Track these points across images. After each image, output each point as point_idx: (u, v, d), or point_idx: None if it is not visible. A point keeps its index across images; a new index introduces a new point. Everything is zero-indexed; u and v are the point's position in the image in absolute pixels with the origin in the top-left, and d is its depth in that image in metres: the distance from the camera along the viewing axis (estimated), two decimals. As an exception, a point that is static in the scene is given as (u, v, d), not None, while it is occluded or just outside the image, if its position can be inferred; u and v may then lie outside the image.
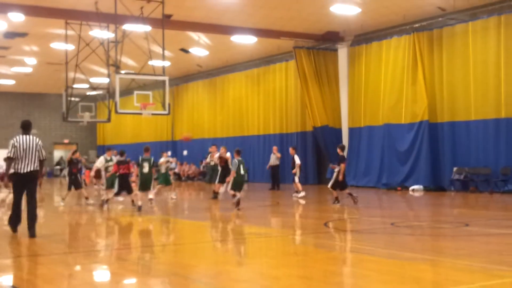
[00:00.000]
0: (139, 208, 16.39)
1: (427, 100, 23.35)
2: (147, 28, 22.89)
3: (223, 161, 19.98)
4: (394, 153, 24.73)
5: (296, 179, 21.36)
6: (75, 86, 26.71)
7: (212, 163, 21.46)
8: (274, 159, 25.94)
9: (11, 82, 41.87)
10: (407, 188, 23.74)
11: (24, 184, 11.41)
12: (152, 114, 22.82)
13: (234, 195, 16.53)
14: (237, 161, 16.53)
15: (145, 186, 17.08)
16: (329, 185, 17.47)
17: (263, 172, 31.41)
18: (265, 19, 24.84)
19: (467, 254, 9.05)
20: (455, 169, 22.62)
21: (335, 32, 27.14)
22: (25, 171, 11.23)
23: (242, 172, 16.63)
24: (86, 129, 47.60)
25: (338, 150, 17.75)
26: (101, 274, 8.26)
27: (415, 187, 23.49)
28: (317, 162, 29.11)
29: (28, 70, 37.74)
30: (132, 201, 17.32)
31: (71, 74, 26.40)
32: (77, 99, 27.87)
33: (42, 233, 12.55)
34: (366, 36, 26.38)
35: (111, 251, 10.30)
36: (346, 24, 25.86)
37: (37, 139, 11.54)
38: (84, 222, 15.30)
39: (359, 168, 26.48)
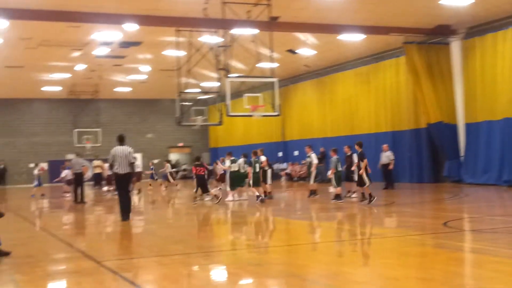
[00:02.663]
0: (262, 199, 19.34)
1: (550, 91, 22.07)
2: (255, 31, 23.14)
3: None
4: (516, 149, 23.53)
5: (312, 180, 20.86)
6: (187, 91, 27.46)
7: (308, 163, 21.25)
8: (384, 157, 25.34)
9: (128, 89, 43.72)
10: (531, 185, 22.53)
11: (122, 182, 15.03)
12: (263, 115, 23.01)
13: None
14: (252, 161, 19.89)
15: (235, 183, 20.53)
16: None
17: (375, 171, 30.93)
18: (373, 15, 24.42)
19: None
20: None
21: (447, 25, 26.25)
22: (122, 172, 14.79)
23: (256, 169, 19.79)
24: (199, 132, 48.83)
25: (357, 147, 18.41)
26: (220, 274, 8.41)
27: (540, 183, 22.26)
28: (433, 160, 28.26)
29: (143, 77, 39.26)
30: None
31: (183, 80, 27.17)
32: (189, 104, 28.62)
33: (162, 234, 13.02)
34: (479, 28, 25.31)
35: (227, 251, 10.48)
36: (458, 17, 24.94)
37: (129, 148, 14.94)
38: (200, 222, 15.68)
39: (477, 165, 25.39)
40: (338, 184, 19.02)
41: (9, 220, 15.38)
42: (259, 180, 19.90)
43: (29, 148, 46.01)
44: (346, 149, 21.26)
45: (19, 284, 7.64)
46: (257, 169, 19.85)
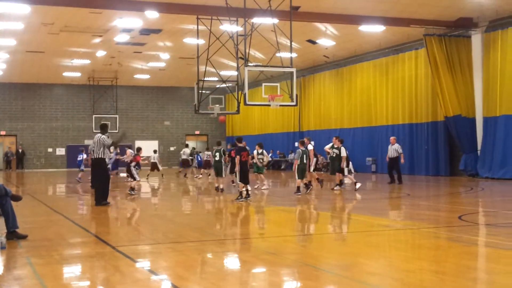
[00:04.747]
0: (222, 191, 19.79)
1: None
2: (275, 20, 23.09)
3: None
4: (534, 144, 23.33)
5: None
6: (205, 79, 27.48)
7: (334, 154, 20.96)
8: (392, 150, 24.67)
9: (146, 76, 43.89)
10: (548, 181, 22.36)
11: (93, 167, 16.30)
12: (280, 105, 22.98)
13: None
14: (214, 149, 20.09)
15: (217, 172, 20.17)
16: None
17: (384, 163, 30.84)
18: (394, 7, 24.28)
19: None
20: None
21: (468, 18, 26.02)
22: (93, 157, 16.02)
23: (216, 158, 20.06)
24: (216, 120, 48.91)
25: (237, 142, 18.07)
26: (234, 262, 8.48)
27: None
28: (449, 153, 28.14)
29: (162, 64, 39.39)
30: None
31: (202, 68, 27.20)
32: (207, 92, 28.65)
33: (178, 221, 13.12)
34: (502, 21, 25.06)
35: (241, 240, 10.55)
36: (480, 10, 24.72)
37: (101, 136, 15.77)
38: (212, 210, 15.76)
39: (494, 159, 25.24)
40: (301, 176, 18.60)
41: (26, 204, 15.58)
42: (219, 170, 20.02)
43: (48, 133, 46.42)
44: (334, 141, 21.01)
45: (35, 267, 7.76)
46: (217, 158, 20.05)
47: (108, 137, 15.96)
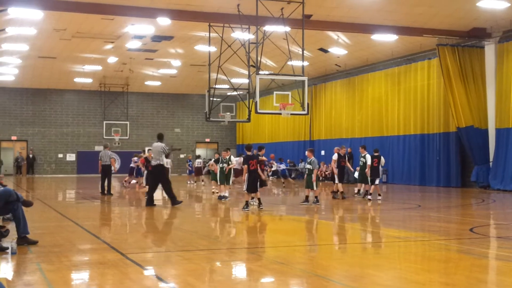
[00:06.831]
0: (220, 198, 20.03)
1: None
2: (287, 28, 23.11)
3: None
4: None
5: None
6: (217, 86, 27.51)
7: (361, 163, 21.16)
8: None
9: (157, 83, 44.02)
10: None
11: (153, 173, 18.45)
12: (291, 114, 22.92)
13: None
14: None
15: (222, 180, 20.33)
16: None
17: (402, 173, 30.75)
18: (407, 16, 24.24)
19: None
20: None
21: (482, 29, 25.92)
22: (153, 164, 18.04)
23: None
24: (226, 128, 48.98)
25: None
26: (243, 271, 8.45)
27: None
28: (461, 164, 27.98)
29: (173, 71, 39.49)
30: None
31: (213, 75, 27.23)
32: (218, 100, 28.67)
33: (186, 228, 13.11)
34: (515, 32, 24.97)
35: (249, 249, 10.51)
36: (494, 20, 24.61)
37: (160, 144, 17.81)
38: (224, 218, 15.74)
39: (506, 171, 25.06)
40: (317, 186, 18.46)
41: (37, 209, 15.62)
42: (220, 178, 20.36)
43: (59, 138, 46.62)
44: (361, 149, 21.29)
45: (45, 273, 7.76)
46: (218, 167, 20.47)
47: (165, 146, 18.04)
